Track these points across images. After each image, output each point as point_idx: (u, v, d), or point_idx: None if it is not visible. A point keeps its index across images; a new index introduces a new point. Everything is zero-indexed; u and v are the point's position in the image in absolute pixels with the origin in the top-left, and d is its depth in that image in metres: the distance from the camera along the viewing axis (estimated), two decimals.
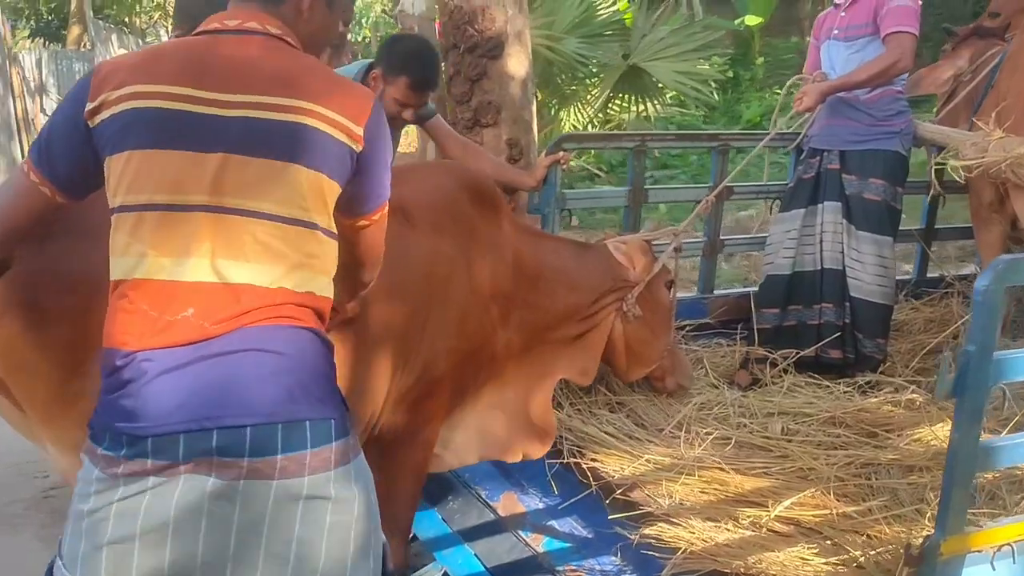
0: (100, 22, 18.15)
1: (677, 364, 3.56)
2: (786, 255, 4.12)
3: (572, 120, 9.73)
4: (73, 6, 18.76)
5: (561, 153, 3.79)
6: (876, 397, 3.65)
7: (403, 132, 4.01)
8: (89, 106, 1.62)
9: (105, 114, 1.60)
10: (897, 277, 4.28)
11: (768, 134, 4.15)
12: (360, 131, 1.67)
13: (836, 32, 4.06)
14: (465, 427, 3.07)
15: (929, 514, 2.79)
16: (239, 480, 1.54)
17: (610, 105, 9.72)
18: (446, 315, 2.73)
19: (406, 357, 2.64)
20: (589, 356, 3.29)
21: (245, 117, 1.61)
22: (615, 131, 9.67)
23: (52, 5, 23.29)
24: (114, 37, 17.66)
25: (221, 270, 1.59)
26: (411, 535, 3.18)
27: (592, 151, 10.42)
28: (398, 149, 3.58)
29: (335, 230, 1.72)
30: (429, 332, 2.68)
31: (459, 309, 2.77)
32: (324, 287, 1.71)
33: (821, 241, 4.06)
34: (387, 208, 1.83)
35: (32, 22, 23.66)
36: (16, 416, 2.23)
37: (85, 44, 17.45)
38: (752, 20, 13.83)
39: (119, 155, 1.60)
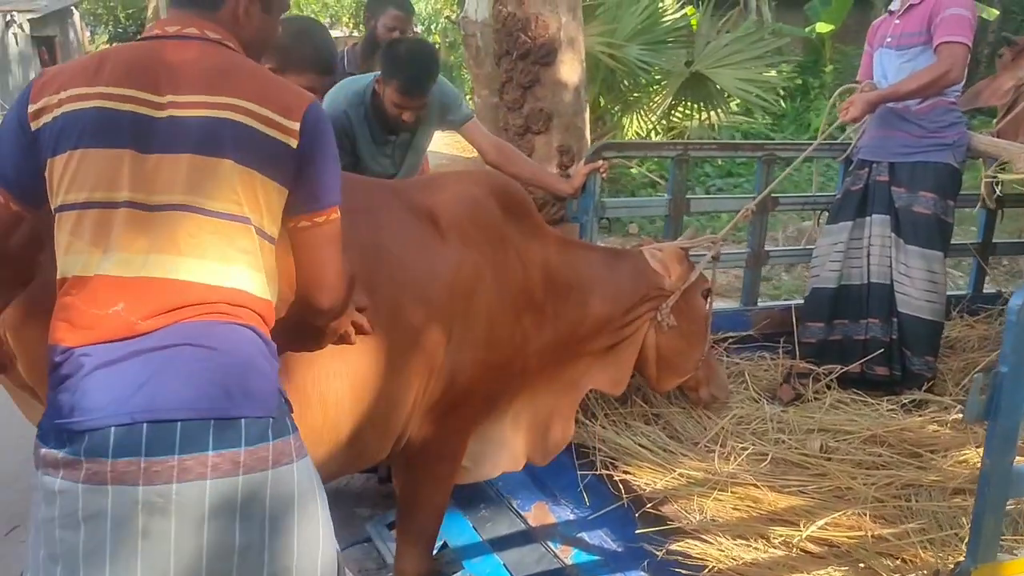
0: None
1: (712, 375, 3.49)
2: (832, 268, 4.03)
3: (635, 127, 9.67)
4: (150, 12, 19.28)
5: (600, 162, 3.77)
6: (921, 416, 3.56)
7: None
8: (31, 108, 1.65)
9: (47, 117, 1.64)
10: (951, 293, 4.16)
11: (812, 144, 4.07)
12: (295, 126, 1.67)
13: (889, 40, 3.97)
14: (492, 440, 3.04)
15: (966, 539, 2.70)
16: (171, 484, 1.50)
17: (673, 112, 9.64)
18: (473, 327, 2.70)
19: (432, 368, 2.61)
20: (622, 366, 3.24)
21: (178, 116, 1.63)
22: (677, 139, 9.58)
23: (130, 11, 24.01)
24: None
25: (154, 265, 1.59)
26: (441, 543, 3.20)
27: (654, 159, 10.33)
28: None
29: (274, 235, 1.72)
30: (455, 344, 2.65)
31: (486, 321, 2.73)
32: (260, 287, 1.69)
33: (869, 255, 3.96)
34: (336, 216, 1.77)
35: (110, 28, 24.42)
36: None
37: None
38: (823, 27, 13.58)
39: (60, 156, 1.63)
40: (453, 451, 2.87)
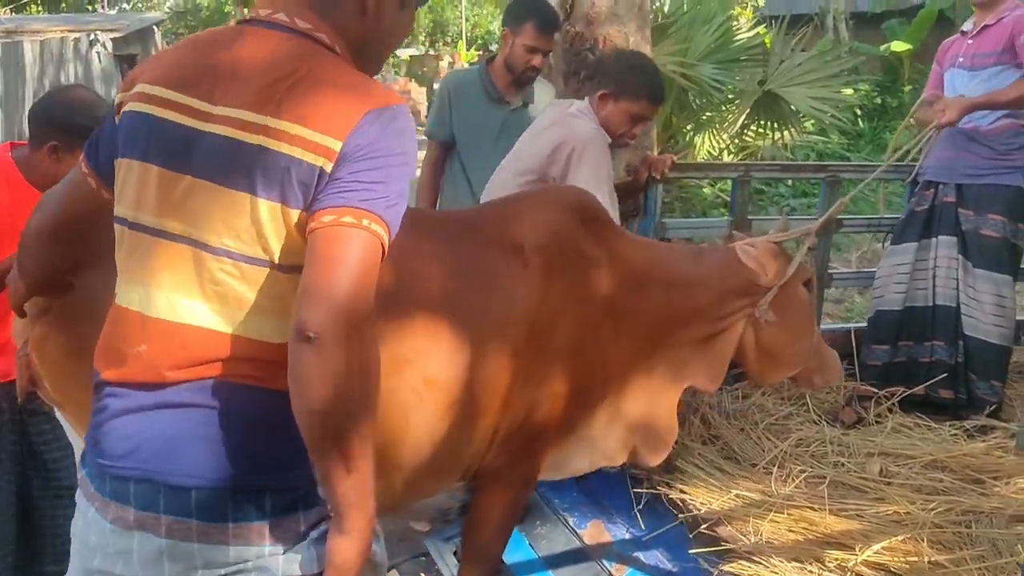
0: None
1: (824, 362, 3.32)
2: (897, 290, 4.00)
3: (707, 146, 9.64)
4: None
5: (667, 155, 3.79)
6: (985, 441, 3.51)
7: None
8: (117, 99, 1.56)
9: (122, 112, 1.53)
10: (1021, 318, 4.09)
11: (884, 163, 4.03)
12: (338, 146, 1.41)
13: (961, 60, 3.95)
14: (581, 440, 2.93)
15: None
16: (193, 543, 1.44)
17: (746, 132, 9.59)
18: (553, 362, 2.64)
19: (508, 404, 2.56)
20: (716, 362, 3.11)
21: (219, 134, 1.44)
22: (750, 158, 9.55)
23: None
24: None
25: (177, 307, 1.46)
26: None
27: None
28: None
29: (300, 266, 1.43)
30: (534, 380, 2.60)
31: (566, 354, 2.67)
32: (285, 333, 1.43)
33: (934, 276, 3.93)
34: (343, 220, 1.38)
35: None
36: None
37: None
38: (899, 46, 13.40)
39: (120, 160, 1.52)
40: (525, 478, 2.83)
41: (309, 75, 1.46)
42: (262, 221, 1.42)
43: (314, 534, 1.50)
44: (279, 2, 1.54)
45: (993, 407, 3.81)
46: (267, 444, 1.46)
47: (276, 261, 1.44)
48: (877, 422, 3.77)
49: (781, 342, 3.14)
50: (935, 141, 3.87)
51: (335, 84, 1.47)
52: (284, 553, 1.47)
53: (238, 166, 1.43)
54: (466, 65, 27.05)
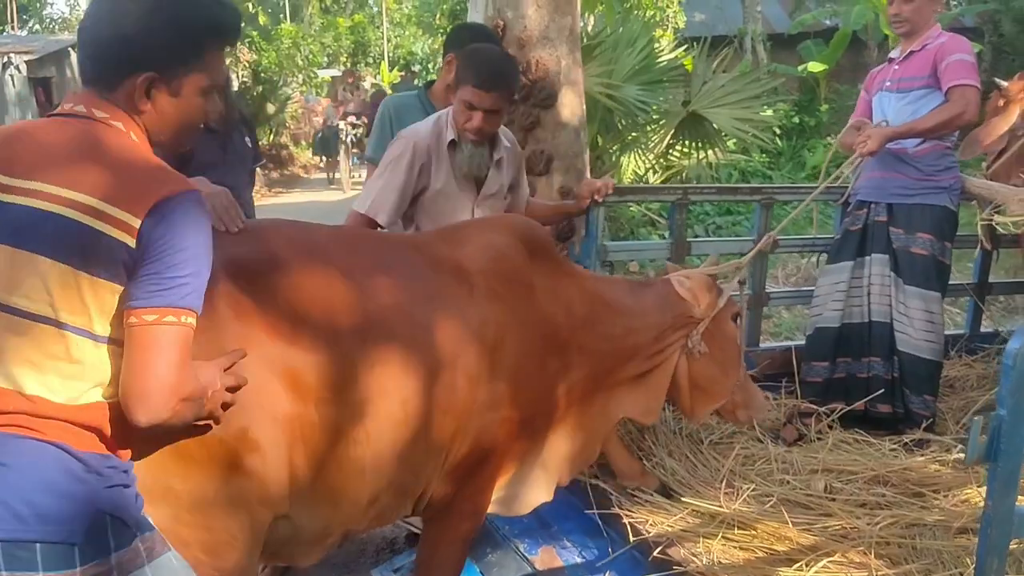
0: None
1: (749, 397, 3.38)
2: (835, 307, 4.09)
3: (633, 166, 9.75)
4: None
5: (607, 179, 3.81)
6: (923, 455, 3.60)
7: None
8: None
9: None
10: (949, 332, 4.21)
11: (814, 187, 4.13)
12: (136, 223, 1.57)
13: (888, 84, 4.07)
14: (523, 480, 2.94)
15: None
16: None
17: (671, 152, 9.73)
18: (499, 386, 2.62)
19: (457, 431, 2.54)
20: (653, 396, 3.15)
21: (11, 203, 1.57)
22: (675, 178, 9.68)
23: None
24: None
25: None
26: None
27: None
28: None
29: (114, 335, 1.61)
30: (480, 404, 2.57)
31: (512, 379, 2.66)
32: (82, 394, 1.61)
33: (869, 294, 4.03)
34: (171, 322, 1.60)
35: None
36: None
37: None
38: (816, 67, 13.78)
39: None
40: (475, 510, 2.80)
41: (107, 155, 1.63)
42: (52, 282, 1.55)
43: None
44: (80, 97, 1.71)
45: (929, 421, 3.91)
46: (31, 494, 1.53)
47: (60, 320, 1.57)
48: (818, 438, 3.83)
49: (711, 375, 3.20)
50: (863, 165, 4.00)
51: (130, 165, 1.64)
52: None
53: (29, 230, 1.56)
54: (388, 86, 26.97)
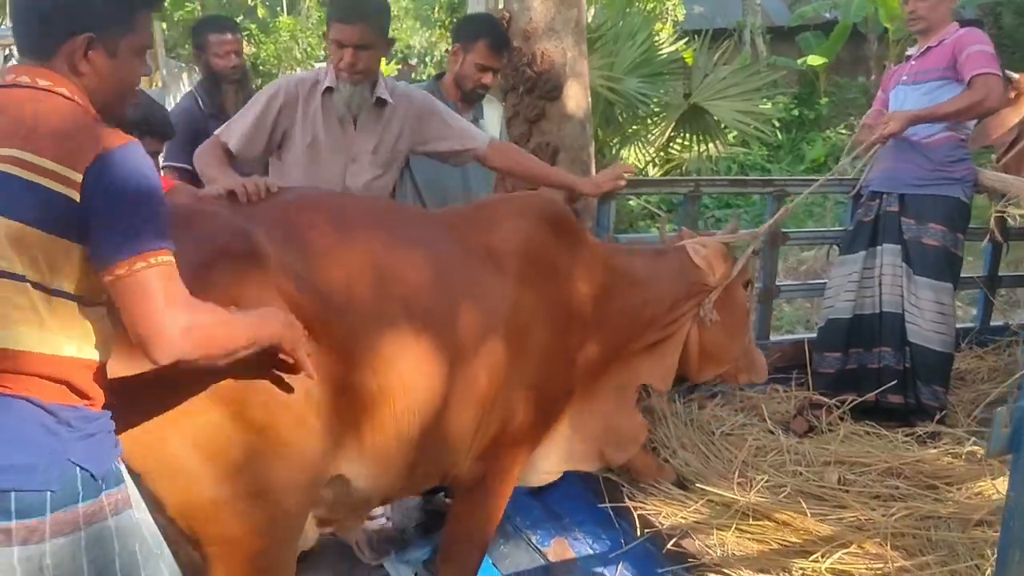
0: (173, 60, 18.67)
1: (752, 361, 3.47)
2: (847, 299, 4.08)
3: (633, 159, 9.72)
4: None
5: (627, 165, 3.80)
6: (936, 448, 3.59)
7: None
8: None
9: None
10: (960, 325, 4.20)
11: (824, 178, 4.12)
12: (78, 177, 1.63)
13: (905, 78, 4.09)
14: (547, 452, 3.02)
15: (988, 572, 2.73)
16: None
17: (671, 144, 9.71)
18: (527, 366, 2.70)
19: (486, 409, 2.62)
20: (667, 363, 3.21)
21: None
22: (675, 171, 9.67)
23: None
24: (185, 76, 18.13)
25: None
26: None
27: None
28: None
29: (73, 291, 1.69)
30: (508, 385, 2.65)
31: (540, 358, 2.74)
32: (52, 346, 1.67)
33: (880, 284, 4.02)
34: (141, 266, 1.65)
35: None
36: None
37: (157, 83, 17.95)
38: (815, 60, 13.76)
39: None
40: (503, 487, 2.87)
41: (48, 117, 1.70)
42: (3, 238, 1.63)
43: None
44: (22, 69, 1.79)
45: (942, 413, 3.91)
46: (14, 450, 1.63)
47: (19, 273, 1.64)
48: (830, 430, 3.82)
49: (719, 341, 3.26)
50: (877, 156, 3.99)
51: (67, 123, 1.70)
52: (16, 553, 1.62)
53: (24, 201, 1.64)
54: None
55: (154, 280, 1.66)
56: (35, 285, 1.64)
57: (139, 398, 1.87)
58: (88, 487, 1.69)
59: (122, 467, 1.80)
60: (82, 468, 1.68)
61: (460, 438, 2.59)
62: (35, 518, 1.62)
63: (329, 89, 3.25)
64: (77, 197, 1.63)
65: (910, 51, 4.21)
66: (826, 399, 3.95)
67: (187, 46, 21.01)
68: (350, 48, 3.16)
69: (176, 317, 1.67)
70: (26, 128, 1.67)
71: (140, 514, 1.80)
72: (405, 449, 2.40)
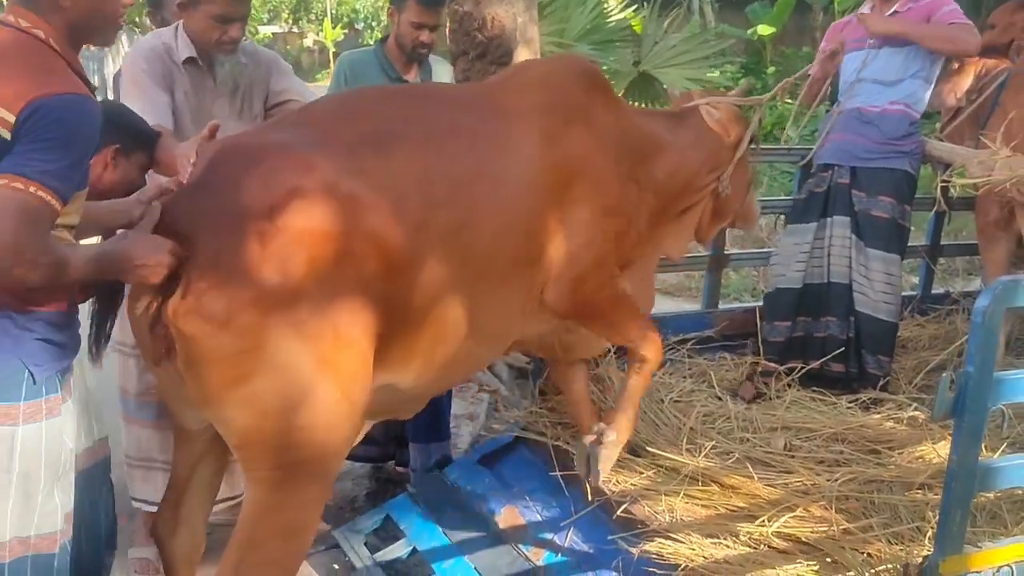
0: None
1: (748, 211, 3.57)
2: (798, 268, 4.12)
3: None
4: None
5: None
6: (879, 414, 3.66)
7: None
8: None
9: None
10: (903, 294, 4.27)
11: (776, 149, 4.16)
12: (11, 118, 1.85)
13: (871, 42, 3.99)
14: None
15: (929, 533, 2.80)
16: None
17: None
18: (580, 220, 2.75)
19: (548, 274, 2.73)
20: (686, 233, 3.34)
21: None
22: None
23: None
24: (124, 37, 17.71)
25: None
26: (411, 548, 3.21)
27: None
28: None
29: None
30: (567, 233, 2.73)
31: (591, 211, 2.79)
32: None
33: (829, 255, 4.06)
34: (13, 184, 1.83)
35: None
36: None
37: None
38: (764, 30, 13.82)
39: None
40: (632, 335, 2.95)
41: (8, 59, 1.92)
42: None
43: None
44: (13, 8, 1.99)
45: (884, 380, 3.98)
46: None
47: None
48: (777, 397, 3.88)
49: (727, 203, 3.37)
50: (833, 124, 4.04)
51: (15, 66, 1.92)
52: None
53: None
54: (331, 43, 26.54)
55: (15, 203, 1.83)
56: None
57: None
58: (30, 388, 2.01)
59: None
60: (29, 371, 2.00)
61: (519, 311, 2.73)
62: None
63: (191, 59, 3.19)
64: (8, 136, 1.86)
65: (865, 9, 4.14)
66: (775, 366, 4.00)
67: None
68: (237, 23, 3.16)
69: (7, 245, 1.82)
70: None
71: (59, 417, 2.08)
72: (456, 350, 2.54)
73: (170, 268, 2.08)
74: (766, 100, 3.52)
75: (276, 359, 2.08)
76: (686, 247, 3.37)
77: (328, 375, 2.15)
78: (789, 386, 3.96)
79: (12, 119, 1.84)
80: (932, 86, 4.05)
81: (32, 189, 1.84)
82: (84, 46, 2.16)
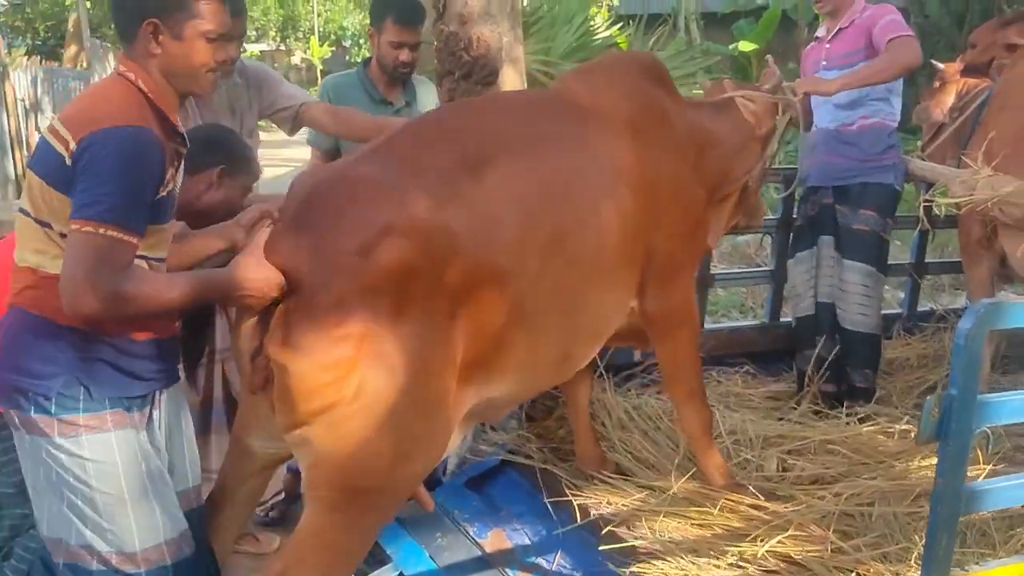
0: (97, 41, 18.22)
1: (756, 208, 3.64)
2: (810, 295, 4.18)
3: None
4: (70, 25, 18.84)
5: None
6: (873, 426, 3.69)
7: None
8: None
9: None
10: (889, 311, 4.29)
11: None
12: (75, 145, 1.99)
13: (825, 63, 4.06)
14: None
15: (916, 552, 2.79)
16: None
17: None
18: (661, 212, 2.85)
19: (635, 270, 2.84)
20: (722, 223, 3.40)
21: (44, 138, 2.10)
22: None
23: (49, 24, 23.45)
24: (111, 56, 17.71)
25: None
26: (397, 573, 3.18)
27: None
28: None
29: (59, 229, 2.06)
30: (652, 233, 2.84)
31: (672, 201, 2.90)
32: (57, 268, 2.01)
33: (817, 276, 4.11)
34: (87, 230, 1.95)
35: (29, 40, 23.85)
36: None
37: (82, 63, 17.49)
38: (747, 46, 13.88)
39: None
40: (689, 315, 3.12)
41: (90, 94, 2.23)
42: (35, 191, 2.08)
43: None
44: (120, 56, 2.21)
45: (871, 395, 4.01)
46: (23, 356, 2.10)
47: (40, 218, 2.08)
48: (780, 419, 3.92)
49: (751, 200, 3.49)
50: (811, 146, 4.08)
51: (93, 98, 2.16)
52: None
53: (35, 154, 2.11)
54: (318, 61, 26.55)
55: (89, 245, 1.95)
56: (46, 225, 2.08)
57: None
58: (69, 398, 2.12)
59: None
60: (80, 382, 2.11)
61: (612, 307, 2.83)
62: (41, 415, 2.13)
63: None
64: (69, 161, 1.99)
65: (820, 32, 4.20)
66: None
67: (111, 26, 20.54)
68: (234, 43, 3.20)
69: (83, 284, 1.94)
70: (75, 106, 2.12)
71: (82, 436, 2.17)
72: (554, 356, 2.66)
73: (272, 300, 2.17)
74: (796, 101, 3.55)
75: (363, 390, 2.15)
76: (719, 236, 3.44)
77: (410, 408, 2.21)
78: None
79: (74, 145, 1.98)
80: (900, 96, 4.06)
81: (102, 231, 1.95)
82: (185, 95, 2.28)
